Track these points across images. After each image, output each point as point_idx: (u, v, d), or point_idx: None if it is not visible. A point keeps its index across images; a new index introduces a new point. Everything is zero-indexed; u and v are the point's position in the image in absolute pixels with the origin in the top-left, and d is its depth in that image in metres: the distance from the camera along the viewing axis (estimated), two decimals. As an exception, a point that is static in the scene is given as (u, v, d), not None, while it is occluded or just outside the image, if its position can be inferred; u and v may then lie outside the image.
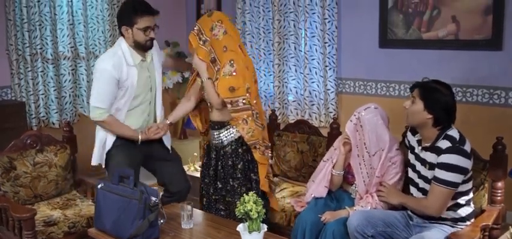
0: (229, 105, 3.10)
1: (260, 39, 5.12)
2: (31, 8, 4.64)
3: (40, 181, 3.50)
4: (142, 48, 3.23)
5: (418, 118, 2.73)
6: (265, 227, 2.58)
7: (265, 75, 5.17)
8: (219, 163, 3.28)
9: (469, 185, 2.75)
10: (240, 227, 2.60)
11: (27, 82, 4.71)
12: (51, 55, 4.80)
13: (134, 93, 3.25)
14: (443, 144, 2.66)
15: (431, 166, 2.71)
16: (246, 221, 2.55)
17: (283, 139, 3.96)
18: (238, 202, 2.57)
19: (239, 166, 3.23)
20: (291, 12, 4.80)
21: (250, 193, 2.55)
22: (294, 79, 4.93)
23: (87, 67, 5.07)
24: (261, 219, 2.55)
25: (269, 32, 5.05)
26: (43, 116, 4.84)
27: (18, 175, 3.41)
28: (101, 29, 5.14)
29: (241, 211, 2.51)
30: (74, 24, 4.94)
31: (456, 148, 2.63)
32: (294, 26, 4.81)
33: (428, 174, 2.73)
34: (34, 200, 3.47)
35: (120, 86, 3.20)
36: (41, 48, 4.74)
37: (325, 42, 4.59)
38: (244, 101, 3.11)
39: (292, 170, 3.89)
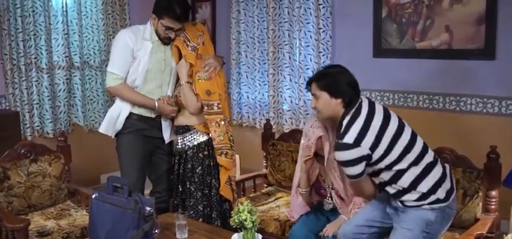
0: (205, 108, 3.27)
1: (255, 49, 5.13)
2: (26, 17, 4.64)
3: (34, 191, 3.49)
4: (160, 40, 3.34)
5: (328, 110, 2.61)
6: (260, 236, 2.58)
7: (260, 84, 5.18)
8: (181, 166, 3.39)
9: (386, 160, 2.51)
10: (235, 237, 2.60)
11: (22, 92, 4.69)
12: (46, 65, 4.79)
13: (146, 67, 3.31)
14: (334, 143, 2.60)
15: None
16: (241, 230, 2.54)
17: (277, 148, 3.96)
18: (232, 212, 2.57)
19: (197, 170, 3.33)
20: (285, 22, 4.82)
21: (245, 203, 2.55)
22: (288, 89, 4.94)
23: (81, 77, 5.07)
24: (256, 229, 2.55)
25: (264, 42, 5.07)
26: (37, 126, 4.83)
27: (12, 185, 3.39)
28: (96, 39, 5.14)
29: (236, 220, 2.51)
30: (68, 33, 4.94)
31: (336, 144, 2.54)
32: (289, 35, 4.82)
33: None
34: (28, 210, 3.46)
35: (134, 57, 3.30)
36: (35, 58, 4.74)
37: (320, 52, 4.60)
38: (218, 105, 3.29)
39: (287, 179, 3.89)
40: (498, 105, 3.79)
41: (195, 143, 3.34)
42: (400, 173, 2.51)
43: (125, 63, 3.31)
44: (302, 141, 2.98)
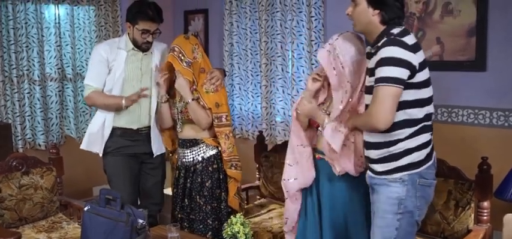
0: (215, 120, 3.24)
1: (247, 60, 5.14)
2: (18, 29, 4.63)
3: (25, 204, 3.46)
4: (138, 47, 3.35)
5: (363, 19, 2.39)
6: (252, 249, 2.58)
7: (252, 96, 5.19)
8: (188, 180, 3.34)
9: (414, 93, 2.31)
10: (228, 249, 2.59)
11: (14, 104, 4.68)
12: (38, 77, 4.78)
13: (122, 76, 3.30)
14: (382, 41, 2.33)
15: (373, 72, 2.33)
16: (234, 243, 2.54)
17: (270, 160, 3.96)
18: (225, 224, 2.57)
19: (207, 184, 3.30)
20: (278, 34, 4.84)
21: (238, 215, 2.55)
22: (281, 100, 4.95)
23: (74, 89, 5.06)
24: (249, 241, 2.54)
25: (256, 54, 5.08)
26: (29, 138, 4.81)
27: (3, 197, 3.37)
28: (89, 51, 5.13)
29: (229, 232, 2.51)
30: (61, 45, 4.93)
31: (392, 39, 2.28)
32: (281, 47, 4.84)
33: (372, 82, 2.33)
34: (19, 223, 3.43)
35: (109, 67, 3.32)
36: (27, 70, 4.73)
37: (312, 64, 4.62)
38: (226, 116, 3.28)
39: (280, 191, 3.86)
40: (489, 116, 3.82)
41: (205, 156, 3.31)
42: (403, 123, 2.32)
43: (99, 74, 3.34)
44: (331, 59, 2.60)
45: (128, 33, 3.36)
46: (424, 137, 2.40)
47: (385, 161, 2.39)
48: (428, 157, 2.42)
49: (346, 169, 2.60)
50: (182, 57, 3.19)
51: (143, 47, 3.34)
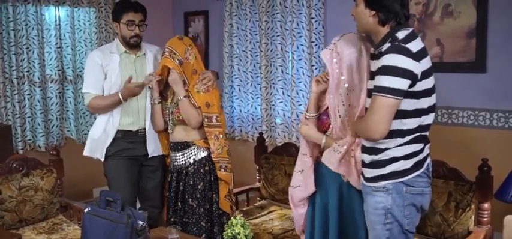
0: (205, 120, 3.24)
1: (247, 62, 5.15)
2: (18, 31, 4.64)
3: (26, 205, 3.46)
4: (128, 44, 3.36)
5: (362, 20, 2.36)
6: (253, 250, 2.57)
7: (252, 98, 5.19)
8: (181, 183, 3.33)
9: (414, 103, 2.25)
10: (228, 250, 2.59)
11: (14, 105, 4.68)
12: (38, 78, 4.79)
13: (119, 79, 3.31)
14: (386, 46, 2.25)
15: (374, 76, 2.28)
16: (234, 244, 2.54)
17: (270, 162, 3.96)
18: (225, 226, 2.57)
19: (199, 186, 3.29)
20: (278, 36, 4.84)
21: (238, 217, 2.55)
22: (281, 102, 4.96)
23: (74, 90, 5.06)
24: (249, 242, 2.54)
25: (256, 55, 5.09)
26: (29, 140, 4.81)
27: (3, 199, 3.37)
28: (89, 52, 5.13)
29: (229, 234, 2.50)
30: (61, 47, 4.94)
31: (396, 46, 2.20)
32: (281, 49, 4.85)
33: (372, 86, 2.28)
34: (19, 225, 3.43)
35: (104, 72, 3.35)
36: (28, 71, 4.73)
37: (312, 66, 4.62)
38: (217, 117, 3.27)
39: (280, 192, 3.89)
40: (489, 118, 3.82)
41: (197, 158, 3.31)
42: (396, 133, 2.27)
43: (96, 80, 3.35)
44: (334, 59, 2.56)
45: (117, 34, 3.40)
46: (415, 147, 2.33)
47: (372, 167, 2.37)
48: (417, 165, 2.34)
49: (350, 181, 2.59)
50: (174, 56, 3.20)
51: (132, 42, 3.33)
